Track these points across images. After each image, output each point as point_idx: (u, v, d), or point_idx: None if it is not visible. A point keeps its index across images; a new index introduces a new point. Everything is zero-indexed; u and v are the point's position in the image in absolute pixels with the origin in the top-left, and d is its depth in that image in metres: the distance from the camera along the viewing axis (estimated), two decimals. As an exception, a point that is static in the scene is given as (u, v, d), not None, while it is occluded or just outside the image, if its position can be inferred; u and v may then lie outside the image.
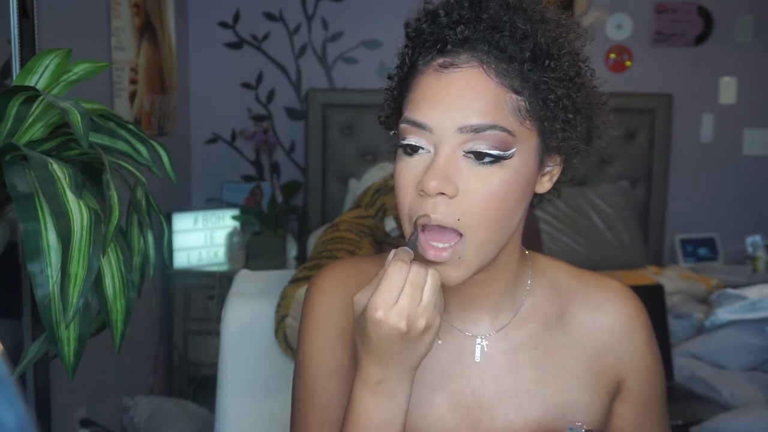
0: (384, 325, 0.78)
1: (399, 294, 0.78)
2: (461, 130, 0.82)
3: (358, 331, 0.82)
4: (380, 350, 0.80)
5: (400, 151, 0.86)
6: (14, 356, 1.55)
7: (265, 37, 3.56)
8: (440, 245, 0.83)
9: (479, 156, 0.82)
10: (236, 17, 3.54)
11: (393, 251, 0.81)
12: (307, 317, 0.98)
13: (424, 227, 0.84)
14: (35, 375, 1.79)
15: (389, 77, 0.93)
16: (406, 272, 0.79)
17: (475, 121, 0.81)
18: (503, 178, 0.83)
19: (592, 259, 3.23)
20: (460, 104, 0.82)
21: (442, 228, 0.83)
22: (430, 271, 0.80)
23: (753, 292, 2.43)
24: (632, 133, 3.58)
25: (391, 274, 0.78)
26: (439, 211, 0.82)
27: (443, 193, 0.82)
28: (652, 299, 2.29)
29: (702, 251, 3.65)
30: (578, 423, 0.94)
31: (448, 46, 0.84)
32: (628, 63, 3.63)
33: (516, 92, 0.83)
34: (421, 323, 0.79)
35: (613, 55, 3.61)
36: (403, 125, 0.86)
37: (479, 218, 0.82)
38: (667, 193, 3.64)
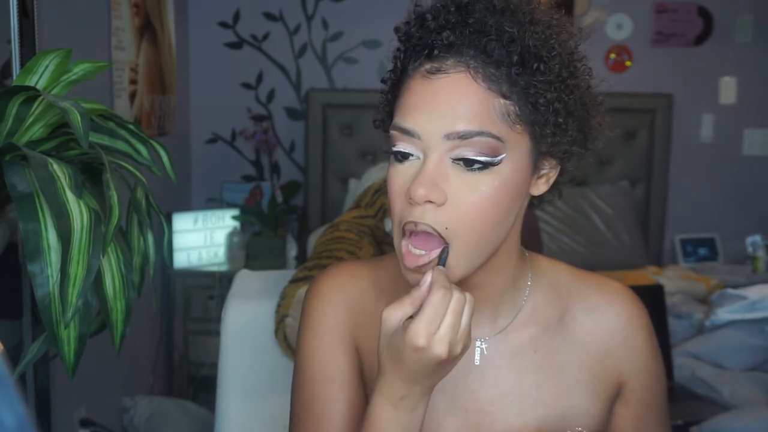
0: (425, 353, 0.78)
1: (441, 322, 0.78)
2: (448, 136, 0.81)
3: (389, 349, 0.80)
4: (412, 371, 0.80)
5: (391, 157, 0.86)
6: (14, 356, 1.55)
7: (265, 37, 3.56)
8: (420, 252, 0.83)
9: (468, 163, 0.81)
10: (236, 17, 3.54)
11: (430, 273, 0.80)
12: (305, 323, 0.98)
13: (411, 233, 0.83)
14: (35, 375, 1.79)
15: (383, 81, 0.92)
16: (449, 299, 0.78)
17: (461, 127, 0.81)
18: (493, 184, 0.82)
19: (592, 259, 3.23)
20: (447, 110, 0.81)
21: (428, 234, 0.83)
22: (468, 296, 0.80)
23: (753, 292, 2.43)
24: (632, 133, 3.59)
25: (435, 303, 0.78)
26: (427, 218, 0.82)
27: (431, 201, 0.81)
28: (652, 299, 2.29)
29: (702, 251, 3.65)
30: (578, 428, 0.93)
31: (435, 51, 0.83)
32: (628, 63, 3.63)
33: (504, 97, 0.82)
34: (459, 349, 0.79)
35: (613, 55, 3.62)
36: (392, 132, 0.85)
37: (468, 226, 0.82)
38: (667, 193, 3.64)
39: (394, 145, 0.85)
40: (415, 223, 0.82)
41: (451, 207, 0.82)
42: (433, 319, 0.77)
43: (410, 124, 0.83)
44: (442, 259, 0.82)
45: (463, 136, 0.81)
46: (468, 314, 0.79)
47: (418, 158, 0.83)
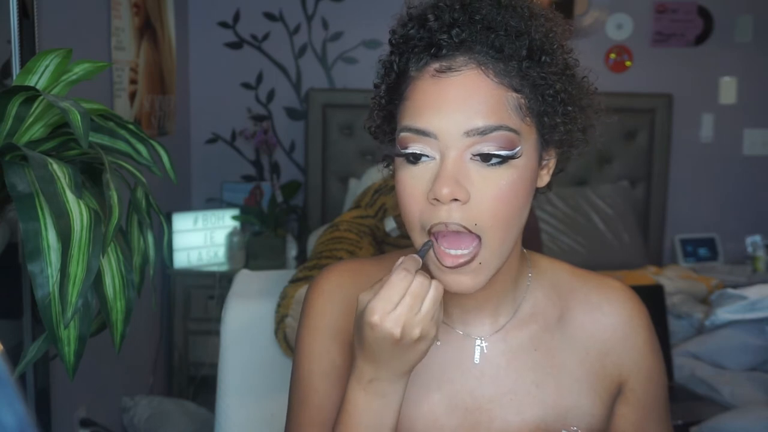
0: (378, 330, 0.79)
1: (398, 302, 0.78)
2: (468, 133, 0.81)
3: (356, 329, 0.83)
4: (373, 351, 0.81)
5: (400, 159, 0.85)
6: (14, 356, 1.55)
7: (265, 37, 3.56)
8: (458, 252, 0.83)
9: (486, 158, 0.82)
10: (236, 17, 3.54)
11: (402, 258, 0.81)
12: (305, 319, 0.98)
13: (438, 235, 0.83)
14: (35, 375, 1.79)
15: (375, 86, 0.92)
16: (409, 281, 0.79)
17: (480, 123, 0.81)
18: (511, 177, 0.82)
19: (592, 259, 3.23)
20: (463, 108, 0.81)
21: (458, 234, 0.82)
22: (434, 283, 0.80)
23: (753, 292, 2.43)
24: (632, 133, 3.59)
25: (393, 281, 0.79)
26: (453, 217, 0.81)
27: (456, 199, 0.81)
28: (652, 299, 2.29)
29: (702, 251, 3.65)
30: (573, 427, 0.93)
31: (443, 50, 0.83)
32: (628, 63, 3.63)
33: (515, 90, 0.83)
34: (416, 333, 0.79)
35: (613, 55, 3.61)
36: (404, 134, 0.84)
37: (493, 220, 0.82)
38: (667, 193, 3.64)
39: (405, 147, 0.84)
40: (446, 224, 0.82)
41: (475, 203, 0.82)
42: (389, 298, 0.78)
43: (425, 125, 0.83)
44: (421, 251, 0.83)
45: (483, 132, 0.81)
46: (431, 300, 0.79)
47: (433, 159, 0.83)
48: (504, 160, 0.82)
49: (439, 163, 0.82)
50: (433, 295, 0.80)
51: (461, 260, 0.83)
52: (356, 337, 0.83)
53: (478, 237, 0.83)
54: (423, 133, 0.83)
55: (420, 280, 0.79)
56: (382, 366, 0.82)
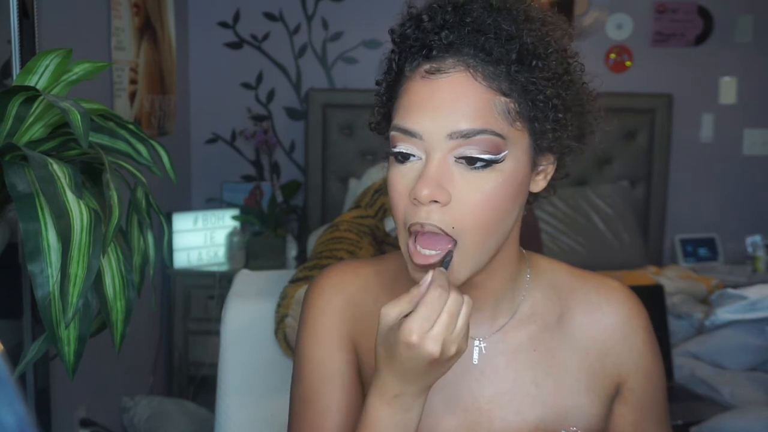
0: (417, 350, 0.77)
1: (435, 320, 0.78)
2: (451, 136, 0.81)
3: (384, 345, 0.81)
4: (405, 369, 0.80)
5: (391, 158, 0.86)
6: (14, 356, 1.55)
7: (265, 37, 3.56)
8: (430, 252, 0.83)
9: (471, 161, 0.82)
10: (236, 17, 3.54)
11: (431, 273, 0.80)
12: (305, 321, 0.98)
13: (417, 234, 0.83)
14: (35, 375, 1.79)
15: (377, 83, 0.92)
16: (445, 299, 0.78)
17: (464, 126, 0.81)
18: (496, 182, 0.82)
19: (592, 259, 3.23)
20: (449, 110, 0.81)
21: (435, 235, 0.83)
22: (465, 299, 0.80)
23: (753, 292, 2.43)
24: (632, 133, 3.59)
25: (430, 301, 0.78)
26: (432, 219, 0.82)
27: (436, 201, 0.81)
28: (652, 299, 2.29)
29: (702, 251, 3.65)
30: (572, 428, 0.94)
31: (434, 52, 0.83)
32: (628, 63, 3.63)
33: (504, 94, 0.82)
34: (452, 350, 0.79)
35: (613, 55, 3.61)
36: (393, 133, 0.85)
37: (473, 224, 0.82)
38: (667, 193, 3.64)
39: (394, 146, 0.85)
40: (422, 225, 0.82)
41: (456, 206, 0.82)
42: (428, 317, 0.77)
43: (412, 125, 0.83)
44: (445, 262, 0.83)
45: (466, 135, 0.81)
46: (464, 316, 0.79)
47: (420, 159, 0.83)
48: (488, 164, 0.82)
49: (424, 164, 0.83)
50: (466, 311, 0.79)
51: (430, 260, 0.83)
52: (383, 352, 0.81)
53: (455, 240, 0.83)
54: (410, 133, 0.83)
55: (454, 297, 0.79)
56: (411, 382, 0.81)
